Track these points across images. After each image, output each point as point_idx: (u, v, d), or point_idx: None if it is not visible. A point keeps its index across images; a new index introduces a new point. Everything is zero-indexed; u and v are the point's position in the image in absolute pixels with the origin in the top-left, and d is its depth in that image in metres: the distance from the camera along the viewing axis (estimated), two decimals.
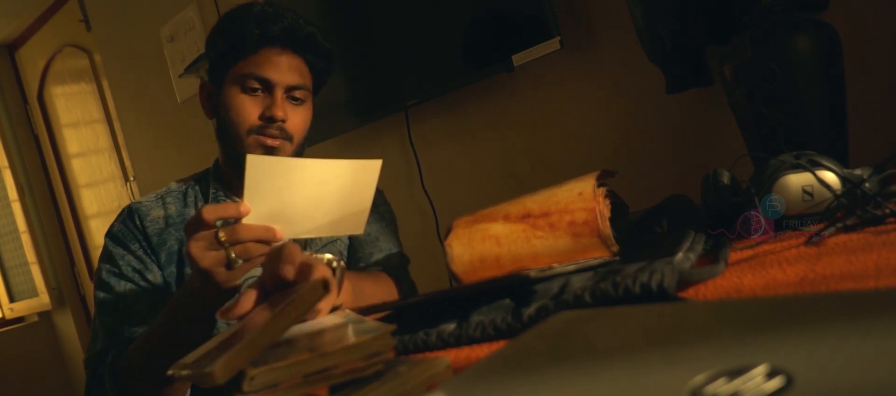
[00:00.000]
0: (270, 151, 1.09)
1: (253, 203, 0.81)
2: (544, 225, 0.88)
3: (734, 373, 0.30)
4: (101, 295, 1.08)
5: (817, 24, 0.99)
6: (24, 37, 3.99)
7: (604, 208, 0.84)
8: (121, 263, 1.09)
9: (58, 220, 4.19)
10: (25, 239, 4.12)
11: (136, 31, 3.02)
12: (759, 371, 0.30)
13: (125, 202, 3.55)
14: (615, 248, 0.84)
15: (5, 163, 4.14)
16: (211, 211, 0.80)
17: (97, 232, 3.90)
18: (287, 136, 1.10)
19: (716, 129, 1.41)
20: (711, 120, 1.42)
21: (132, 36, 3.06)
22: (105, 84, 3.40)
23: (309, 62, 1.14)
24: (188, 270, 1.09)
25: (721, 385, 0.30)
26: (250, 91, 1.09)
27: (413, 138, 1.96)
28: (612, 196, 0.90)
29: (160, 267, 1.10)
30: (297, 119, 1.11)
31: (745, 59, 1.00)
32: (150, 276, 1.09)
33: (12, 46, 4.14)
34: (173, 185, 1.20)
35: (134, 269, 1.09)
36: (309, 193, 0.85)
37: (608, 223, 0.84)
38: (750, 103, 1.01)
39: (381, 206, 1.31)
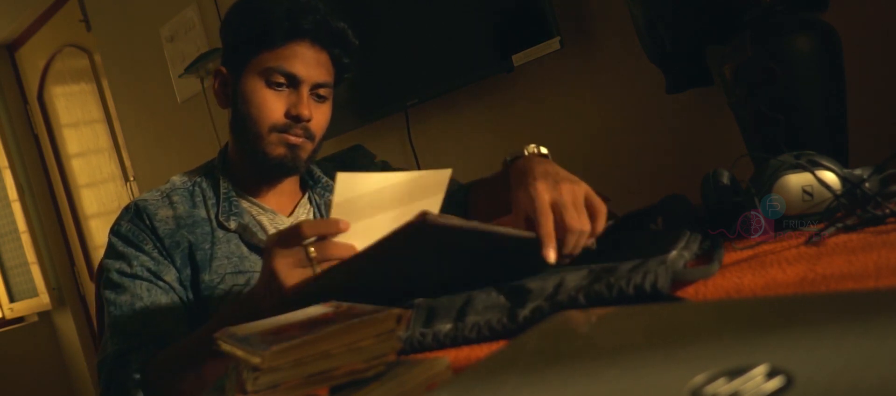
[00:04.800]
0: (293, 149, 1.05)
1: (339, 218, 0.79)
2: None
3: (734, 373, 0.30)
4: (112, 295, 1.02)
5: (817, 24, 0.99)
6: (24, 37, 3.99)
7: None
8: (134, 263, 1.03)
9: (58, 220, 4.18)
10: (25, 239, 4.12)
11: (136, 31, 3.02)
12: (759, 371, 0.30)
13: (125, 202, 3.53)
14: None
15: (5, 163, 4.14)
16: (311, 227, 0.76)
17: (97, 232, 3.90)
18: (310, 135, 1.06)
19: (716, 129, 1.41)
20: (711, 120, 1.42)
21: (132, 36, 3.06)
22: (105, 84, 3.40)
23: (334, 58, 1.09)
24: (207, 277, 1.04)
25: (721, 385, 0.30)
26: (275, 85, 1.03)
27: (413, 138, 1.96)
28: None
29: (176, 269, 1.05)
30: (320, 117, 1.07)
31: (745, 59, 1.00)
32: (166, 277, 1.04)
33: (12, 46, 4.13)
34: (177, 180, 1.12)
35: (148, 270, 1.03)
36: (386, 205, 0.83)
37: None
38: (750, 103, 1.01)
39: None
